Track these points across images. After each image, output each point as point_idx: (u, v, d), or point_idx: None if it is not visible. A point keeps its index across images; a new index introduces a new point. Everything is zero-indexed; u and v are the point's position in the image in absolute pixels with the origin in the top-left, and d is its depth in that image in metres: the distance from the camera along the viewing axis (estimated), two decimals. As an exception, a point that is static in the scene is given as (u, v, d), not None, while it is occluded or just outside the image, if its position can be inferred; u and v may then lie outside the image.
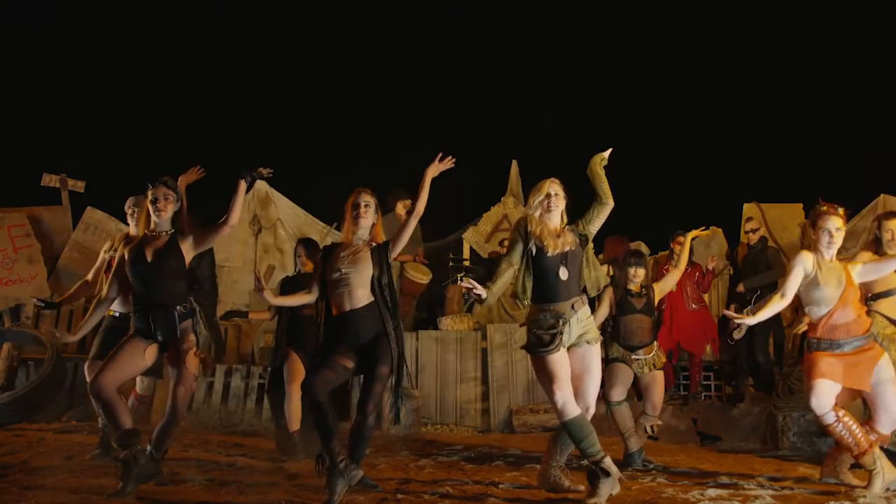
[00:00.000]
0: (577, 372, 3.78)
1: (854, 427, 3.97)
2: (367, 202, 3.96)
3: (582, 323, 3.79)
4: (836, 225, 4.09)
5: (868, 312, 4.29)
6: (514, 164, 9.67)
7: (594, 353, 3.84)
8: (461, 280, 4.23)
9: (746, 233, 7.44)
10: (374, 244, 3.93)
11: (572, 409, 3.68)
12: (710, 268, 7.24)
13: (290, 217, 9.13)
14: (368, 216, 3.95)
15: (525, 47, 13.01)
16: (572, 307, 3.75)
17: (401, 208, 7.95)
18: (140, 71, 12.23)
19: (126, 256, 3.92)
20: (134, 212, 4.81)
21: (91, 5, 12.02)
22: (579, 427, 3.66)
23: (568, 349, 3.78)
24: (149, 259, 3.85)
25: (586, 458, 3.69)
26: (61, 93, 11.70)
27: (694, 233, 5.67)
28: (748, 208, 8.19)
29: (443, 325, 7.87)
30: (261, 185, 9.24)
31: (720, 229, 8.44)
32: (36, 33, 11.82)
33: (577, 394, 3.74)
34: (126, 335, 3.93)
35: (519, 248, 3.81)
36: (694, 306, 7.14)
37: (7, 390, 6.62)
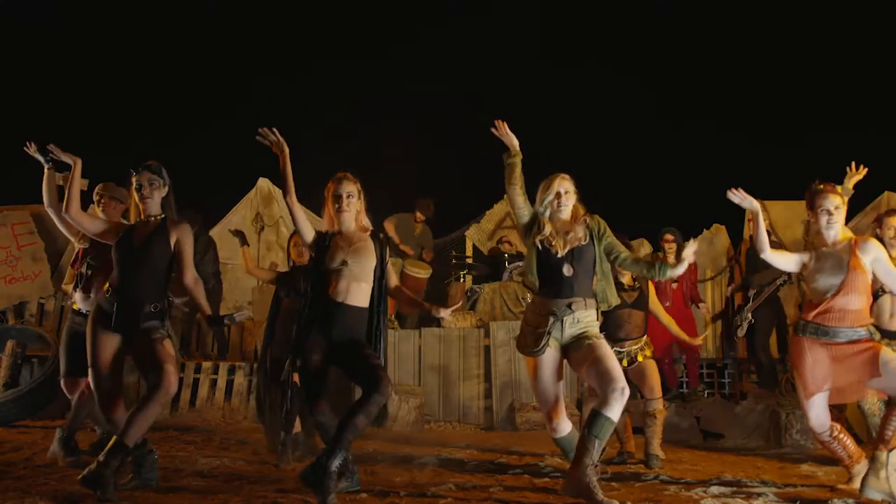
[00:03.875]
0: (592, 360, 3.56)
1: (847, 442, 3.92)
2: (350, 192, 3.73)
3: (581, 324, 3.67)
4: (834, 203, 3.85)
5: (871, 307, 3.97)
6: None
7: (601, 345, 3.61)
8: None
9: (748, 220, 7.42)
10: (374, 234, 3.77)
11: (563, 427, 3.76)
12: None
13: (292, 215, 9.13)
14: (351, 208, 3.73)
15: (527, 46, 12.99)
16: (569, 306, 3.66)
17: (420, 215, 8.56)
18: (142, 70, 12.24)
19: (115, 241, 3.77)
20: (101, 197, 4.63)
21: (92, 6, 12.04)
22: (569, 442, 3.77)
23: (567, 349, 3.70)
24: (135, 244, 3.71)
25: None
26: (63, 91, 11.72)
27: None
28: (752, 205, 8.15)
29: (446, 322, 7.86)
30: (263, 183, 9.24)
31: (724, 227, 8.42)
32: (38, 32, 11.85)
33: (601, 378, 3.49)
34: (89, 326, 3.72)
35: (531, 214, 3.87)
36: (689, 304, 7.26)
37: (11, 388, 6.63)
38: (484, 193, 9.92)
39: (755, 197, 4.00)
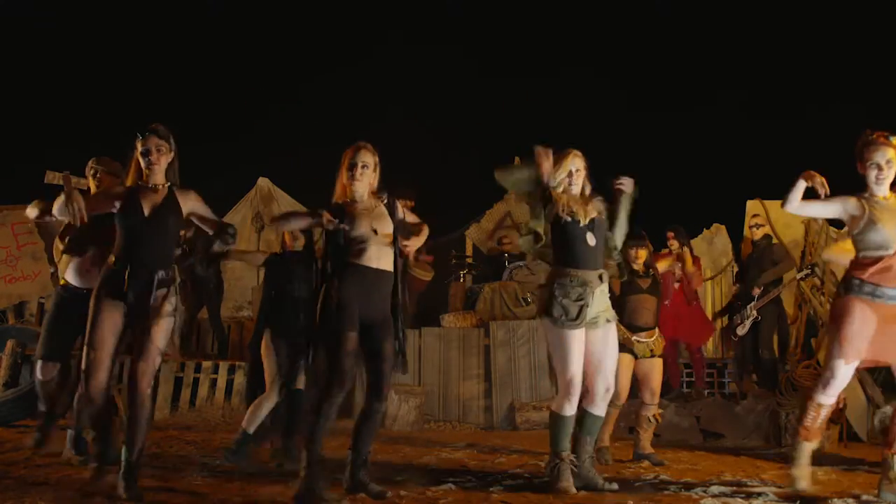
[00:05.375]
0: (599, 352, 3.76)
1: (825, 416, 3.71)
2: (366, 163, 3.68)
3: (604, 297, 3.78)
4: (886, 156, 3.50)
5: None
6: (517, 161, 9.65)
7: (613, 332, 3.83)
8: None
9: (751, 227, 7.42)
10: (387, 202, 3.72)
11: (572, 406, 3.73)
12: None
13: (292, 214, 9.14)
14: (364, 178, 3.67)
15: (528, 45, 13.00)
16: (600, 277, 3.74)
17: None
18: (142, 70, 12.25)
19: (117, 207, 3.54)
20: (97, 172, 4.53)
21: (93, 5, 12.05)
22: (566, 425, 3.74)
23: (587, 328, 3.72)
24: (146, 213, 3.50)
25: (554, 452, 3.76)
26: (64, 90, 11.73)
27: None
28: (752, 205, 8.15)
29: (445, 322, 7.87)
30: (263, 182, 9.25)
31: (724, 226, 8.42)
32: (36, 31, 11.86)
33: (598, 373, 3.75)
34: (93, 301, 3.48)
35: (541, 211, 3.86)
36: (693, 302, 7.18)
37: (11, 388, 6.62)
38: (484, 193, 9.92)
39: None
